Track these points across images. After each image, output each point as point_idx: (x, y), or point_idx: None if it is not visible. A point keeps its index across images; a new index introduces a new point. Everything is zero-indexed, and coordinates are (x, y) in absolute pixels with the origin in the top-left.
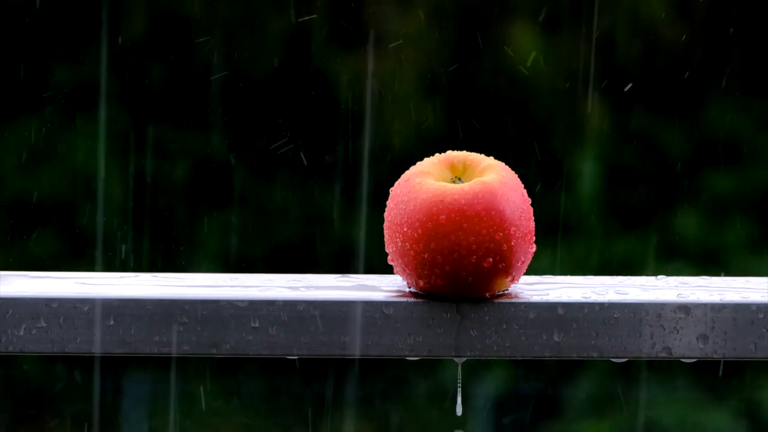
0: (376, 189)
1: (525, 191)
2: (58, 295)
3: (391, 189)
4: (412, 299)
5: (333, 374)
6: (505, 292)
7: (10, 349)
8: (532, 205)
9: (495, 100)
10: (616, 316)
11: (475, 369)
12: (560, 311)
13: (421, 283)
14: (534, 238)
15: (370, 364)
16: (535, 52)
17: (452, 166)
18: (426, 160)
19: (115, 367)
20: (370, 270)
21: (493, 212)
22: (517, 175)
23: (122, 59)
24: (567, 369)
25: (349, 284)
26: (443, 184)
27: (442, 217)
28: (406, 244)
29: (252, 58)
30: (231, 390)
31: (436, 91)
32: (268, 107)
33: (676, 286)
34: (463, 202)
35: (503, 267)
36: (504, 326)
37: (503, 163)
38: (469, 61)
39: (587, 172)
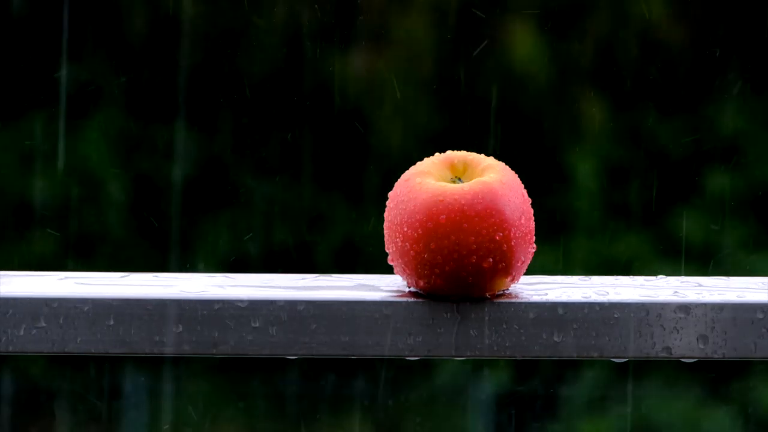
0: (375, 189)
1: (525, 191)
2: (58, 295)
3: (391, 189)
4: (412, 299)
5: (333, 374)
6: (505, 292)
7: (10, 349)
8: (532, 204)
9: (494, 100)
10: (616, 316)
11: (475, 369)
12: (560, 311)
13: (421, 283)
14: (534, 238)
15: (370, 364)
16: (534, 51)
17: (452, 166)
18: (426, 160)
19: (115, 367)
20: (370, 270)
21: (494, 212)
22: (517, 175)
23: (123, 60)
24: (567, 369)
25: (349, 284)
26: (443, 184)
27: (442, 217)
28: (406, 244)
29: (252, 58)
30: (231, 390)
31: (436, 91)
32: (267, 107)
33: (676, 286)
34: (463, 202)
35: (503, 267)
36: (504, 326)
37: (503, 163)
38: (468, 60)
39: (587, 171)
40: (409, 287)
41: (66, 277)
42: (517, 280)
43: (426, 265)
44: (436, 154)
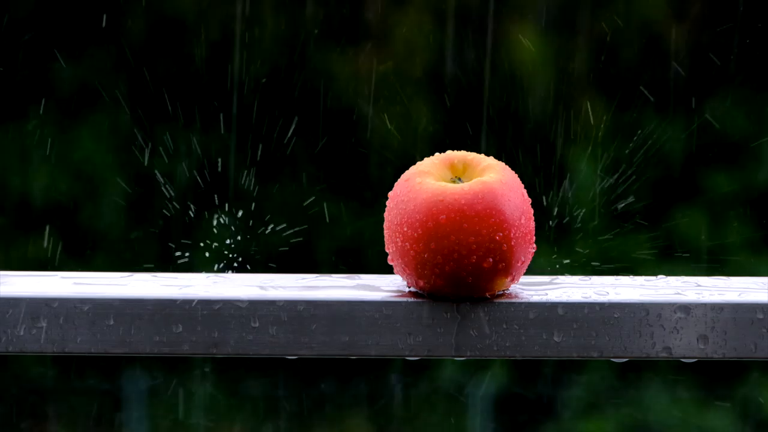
0: (375, 188)
1: (525, 191)
2: (58, 295)
3: (391, 189)
4: (412, 299)
5: (333, 374)
6: (505, 292)
7: (10, 349)
8: (531, 205)
9: (494, 100)
10: (616, 316)
11: (475, 369)
12: (560, 311)
13: (421, 283)
14: (534, 238)
15: (370, 364)
16: (534, 50)
17: (452, 166)
18: (426, 159)
19: (115, 367)
20: (370, 270)
21: (493, 212)
22: (517, 175)
23: (123, 59)
24: (567, 369)
25: (348, 284)
26: (443, 184)
27: (442, 217)
28: (406, 244)
29: (252, 58)
30: (231, 390)
31: (435, 90)
32: (267, 107)
33: (676, 286)
34: (463, 202)
35: (503, 267)
36: (504, 326)
37: (503, 163)
38: (468, 60)
39: (587, 171)
40: (409, 287)
41: (66, 277)
42: (517, 280)
43: (426, 265)
44: (436, 154)
